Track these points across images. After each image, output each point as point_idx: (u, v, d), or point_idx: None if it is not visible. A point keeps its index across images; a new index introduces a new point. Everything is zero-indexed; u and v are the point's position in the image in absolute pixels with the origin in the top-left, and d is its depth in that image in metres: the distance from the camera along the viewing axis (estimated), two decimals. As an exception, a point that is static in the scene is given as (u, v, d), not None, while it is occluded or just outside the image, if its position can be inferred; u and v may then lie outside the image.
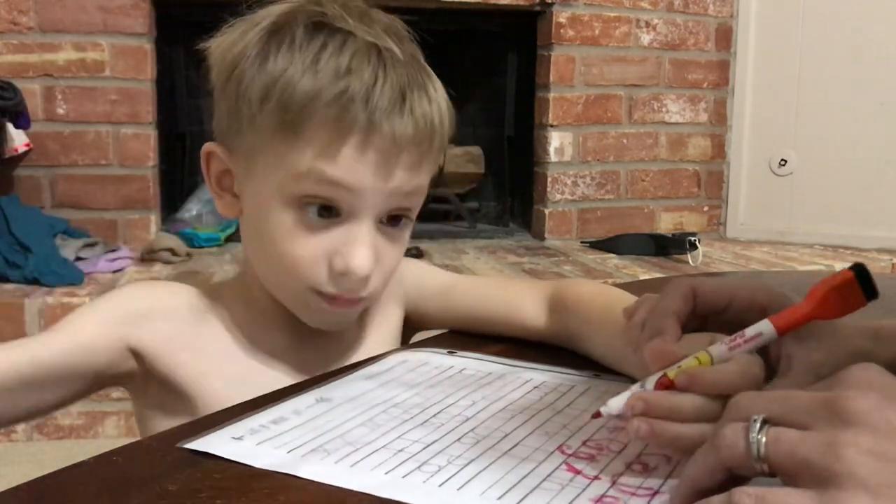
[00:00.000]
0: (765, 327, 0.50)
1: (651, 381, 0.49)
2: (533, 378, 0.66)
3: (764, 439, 0.39)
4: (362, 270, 0.66)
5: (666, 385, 0.48)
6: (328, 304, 0.69)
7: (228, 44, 0.69)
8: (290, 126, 0.65)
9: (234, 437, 0.53)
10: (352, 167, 0.65)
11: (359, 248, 0.66)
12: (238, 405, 0.59)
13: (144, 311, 0.71)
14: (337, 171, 0.64)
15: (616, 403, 0.48)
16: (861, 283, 0.49)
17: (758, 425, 0.40)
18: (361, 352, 0.76)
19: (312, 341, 0.74)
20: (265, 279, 0.72)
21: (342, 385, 0.64)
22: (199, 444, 0.51)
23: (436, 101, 0.69)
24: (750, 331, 0.50)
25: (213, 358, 0.72)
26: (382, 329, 0.80)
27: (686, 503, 0.42)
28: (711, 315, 0.56)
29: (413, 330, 0.85)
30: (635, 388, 0.49)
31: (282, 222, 0.67)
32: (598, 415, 0.49)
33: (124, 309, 0.71)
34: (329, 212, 0.66)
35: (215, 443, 0.51)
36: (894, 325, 0.59)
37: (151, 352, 0.70)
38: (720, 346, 0.50)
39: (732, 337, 0.50)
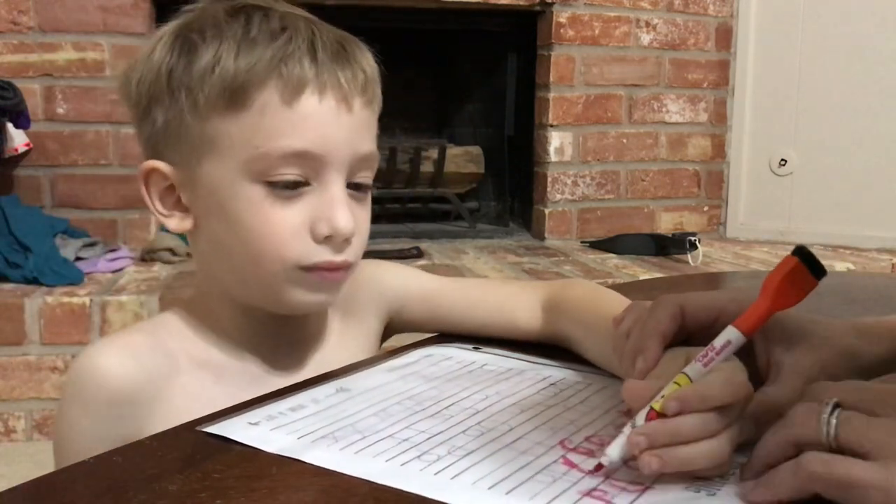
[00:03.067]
0: (731, 334, 0.50)
1: (641, 418, 0.48)
2: (552, 375, 0.67)
3: (835, 420, 0.43)
4: (348, 228, 0.65)
5: (655, 418, 0.48)
6: (316, 277, 0.66)
7: (138, 70, 0.68)
8: (240, 100, 0.64)
9: (250, 423, 0.54)
10: (310, 127, 0.64)
11: (339, 207, 0.65)
12: (260, 396, 0.61)
13: (127, 394, 0.65)
14: (298, 141, 0.64)
15: (615, 451, 0.48)
16: (808, 266, 0.50)
17: (829, 408, 0.44)
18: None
19: (284, 358, 0.72)
20: (237, 282, 0.69)
21: (364, 376, 0.65)
22: (217, 428, 0.53)
23: (367, 53, 0.70)
24: (718, 342, 0.50)
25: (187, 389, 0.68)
26: (359, 342, 0.78)
27: (757, 476, 0.45)
28: (700, 330, 0.56)
29: (396, 333, 0.82)
30: (627, 430, 0.48)
31: (252, 202, 0.65)
32: (599, 467, 0.48)
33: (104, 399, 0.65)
34: (297, 183, 0.65)
35: (232, 428, 0.53)
36: (880, 322, 0.60)
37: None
38: (695, 364, 0.50)
39: (703, 352, 0.50)
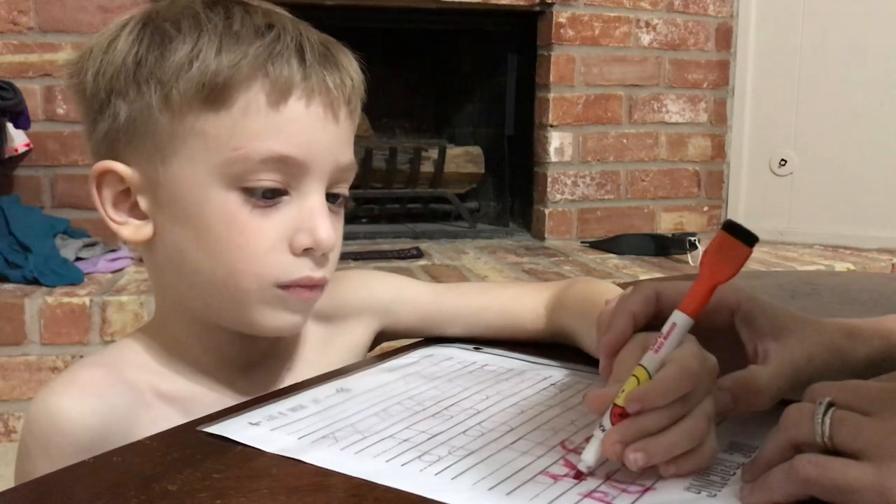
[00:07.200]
0: (677, 317, 0.50)
1: (606, 419, 0.49)
2: (552, 375, 0.67)
3: (829, 420, 0.43)
4: (330, 240, 0.62)
5: (619, 414, 0.48)
6: (293, 296, 0.62)
7: (96, 59, 0.63)
8: (220, 98, 0.59)
9: (251, 423, 0.54)
10: (295, 132, 0.60)
11: (320, 217, 0.62)
12: (261, 396, 0.61)
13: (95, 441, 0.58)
14: (282, 146, 0.60)
15: (591, 456, 0.48)
16: (737, 236, 0.50)
17: (823, 408, 0.43)
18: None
19: (258, 379, 0.68)
20: (200, 301, 0.64)
21: (364, 377, 0.65)
22: (217, 428, 0.53)
23: (353, 59, 0.66)
24: (665, 327, 0.50)
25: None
26: (343, 352, 0.74)
27: (757, 477, 0.45)
28: None
29: (388, 340, 0.80)
30: (598, 433, 0.49)
31: (226, 209, 0.60)
32: (579, 474, 0.48)
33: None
34: (276, 191, 0.61)
35: (233, 428, 0.53)
36: (870, 322, 0.60)
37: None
38: (649, 355, 0.50)
39: (654, 340, 0.50)
